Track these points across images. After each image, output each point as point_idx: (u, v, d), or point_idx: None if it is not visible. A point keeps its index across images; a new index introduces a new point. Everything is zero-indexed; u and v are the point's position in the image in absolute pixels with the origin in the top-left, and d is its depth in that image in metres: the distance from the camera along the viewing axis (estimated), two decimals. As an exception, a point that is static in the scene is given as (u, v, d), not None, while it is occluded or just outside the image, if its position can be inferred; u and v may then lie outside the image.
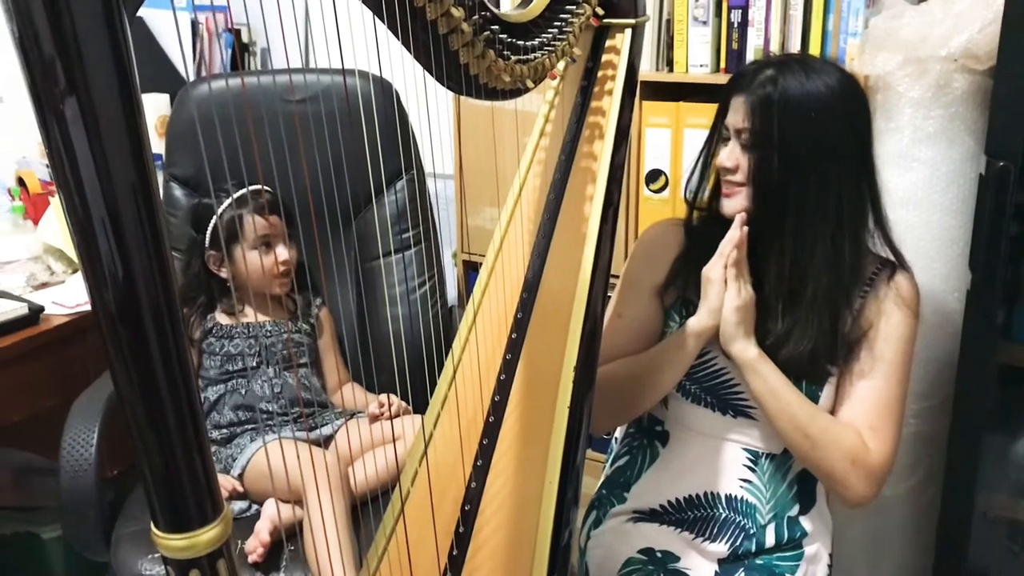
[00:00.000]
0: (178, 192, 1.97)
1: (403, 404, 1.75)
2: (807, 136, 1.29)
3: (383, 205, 1.98)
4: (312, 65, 2.74)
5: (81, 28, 0.54)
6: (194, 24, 2.77)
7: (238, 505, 1.65)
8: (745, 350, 1.31)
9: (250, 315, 1.81)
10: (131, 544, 1.58)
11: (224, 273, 1.78)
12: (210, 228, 1.77)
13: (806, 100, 1.29)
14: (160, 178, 1.98)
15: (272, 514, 1.58)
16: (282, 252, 1.77)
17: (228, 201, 1.73)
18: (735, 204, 1.34)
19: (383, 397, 1.77)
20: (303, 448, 1.57)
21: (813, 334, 1.32)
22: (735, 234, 1.31)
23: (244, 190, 1.72)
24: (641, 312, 1.45)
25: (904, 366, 1.35)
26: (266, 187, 1.75)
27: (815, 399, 1.35)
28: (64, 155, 0.57)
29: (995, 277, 1.44)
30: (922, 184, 1.68)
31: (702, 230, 1.44)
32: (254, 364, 1.78)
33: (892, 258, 1.39)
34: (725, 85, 1.37)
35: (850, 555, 1.89)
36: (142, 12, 2.65)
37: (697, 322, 1.34)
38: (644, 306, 1.45)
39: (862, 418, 1.32)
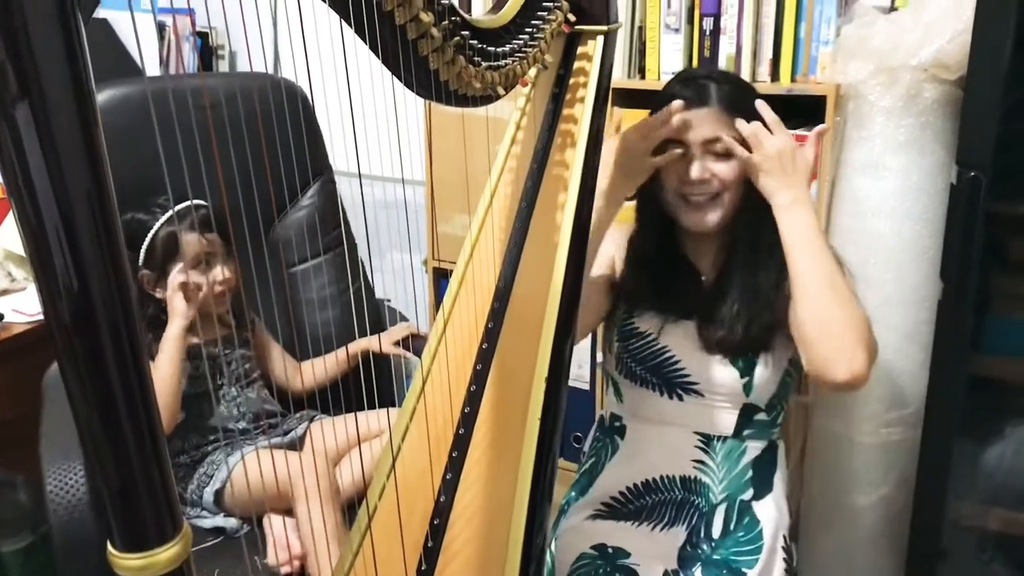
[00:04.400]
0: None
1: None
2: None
3: (299, 210, 2.00)
4: (280, 70, 2.72)
5: (33, 29, 0.53)
6: (161, 27, 2.73)
7: (231, 523, 1.61)
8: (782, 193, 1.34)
9: (195, 336, 1.69)
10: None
11: (159, 294, 1.67)
12: (144, 246, 1.66)
13: (753, 91, 1.45)
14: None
15: (281, 530, 1.55)
16: (221, 272, 1.70)
17: (164, 218, 1.64)
18: (715, 216, 1.41)
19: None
20: (287, 455, 1.55)
21: (763, 306, 1.40)
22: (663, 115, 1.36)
23: (184, 204, 1.64)
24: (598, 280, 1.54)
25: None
26: (201, 202, 1.66)
27: (751, 373, 1.42)
28: (16, 161, 0.55)
29: (966, 287, 1.44)
30: (893, 193, 1.69)
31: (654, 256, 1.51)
32: (215, 385, 1.73)
33: None
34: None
35: (821, 564, 1.89)
36: (107, 14, 2.62)
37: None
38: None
39: None
